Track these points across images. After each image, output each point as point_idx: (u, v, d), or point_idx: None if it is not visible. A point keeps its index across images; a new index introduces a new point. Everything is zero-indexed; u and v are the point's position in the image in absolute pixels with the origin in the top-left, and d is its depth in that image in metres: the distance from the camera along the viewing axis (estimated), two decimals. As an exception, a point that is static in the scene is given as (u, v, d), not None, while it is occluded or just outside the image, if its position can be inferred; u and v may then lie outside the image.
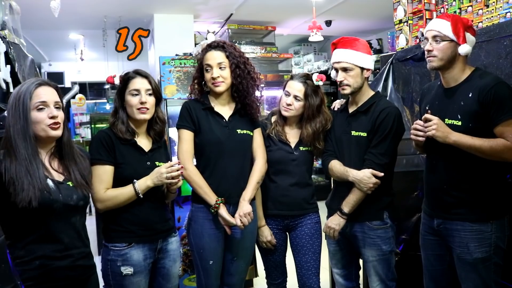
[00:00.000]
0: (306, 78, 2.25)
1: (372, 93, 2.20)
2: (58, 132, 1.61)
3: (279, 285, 2.38)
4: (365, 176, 2.05)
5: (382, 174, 2.06)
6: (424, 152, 2.07)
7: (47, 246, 1.55)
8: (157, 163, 1.94)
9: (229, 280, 2.23)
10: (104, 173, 1.84)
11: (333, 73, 2.21)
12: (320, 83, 2.27)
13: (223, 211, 2.07)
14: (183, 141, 2.13)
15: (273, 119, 2.33)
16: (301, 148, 2.26)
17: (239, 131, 2.16)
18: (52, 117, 1.58)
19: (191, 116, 2.12)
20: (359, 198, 2.09)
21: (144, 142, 1.96)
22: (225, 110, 2.18)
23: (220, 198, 2.07)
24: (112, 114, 1.95)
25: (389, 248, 2.15)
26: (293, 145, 2.26)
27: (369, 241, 2.14)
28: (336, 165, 2.18)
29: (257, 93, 2.23)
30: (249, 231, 2.17)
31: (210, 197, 2.07)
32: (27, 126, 1.54)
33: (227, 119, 2.16)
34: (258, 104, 2.22)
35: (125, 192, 1.84)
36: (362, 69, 2.12)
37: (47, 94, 1.59)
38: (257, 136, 2.24)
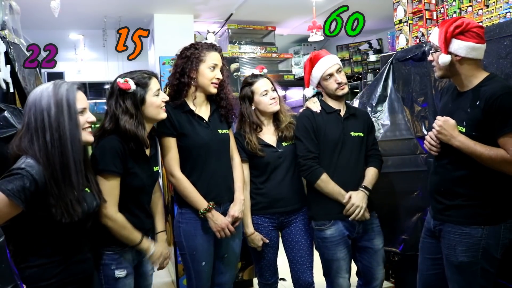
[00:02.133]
0: (259, 75, 2.40)
1: None
2: (93, 138, 1.59)
3: (273, 285, 2.40)
4: (362, 195, 2.22)
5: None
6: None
7: (62, 252, 1.54)
8: (154, 168, 1.97)
9: (220, 279, 2.25)
10: (116, 187, 1.79)
11: (331, 81, 2.30)
12: (265, 71, 2.47)
13: (216, 213, 2.10)
14: (167, 148, 2.11)
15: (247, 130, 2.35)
16: (283, 144, 2.35)
17: (220, 131, 2.20)
18: (91, 122, 1.56)
19: (171, 121, 2.11)
20: (375, 180, 2.31)
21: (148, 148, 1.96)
22: (203, 111, 2.20)
23: (210, 203, 2.09)
24: (129, 121, 1.82)
25: None
26: (275, 144, 2.34)
27: (377, 229, 2.32)
28: (331, 182, 2.23)
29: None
30: (237, 225, 2.22)
31: (201, 203, 2.09)
32: (76, 130, 1.47)
33: (207, 120, 2.18)
34: (234, 104, 2.32)
35: (132, 236, 1.83)
36: None
37: (85, 99, 1.57)
38: (231, 136, 2.31)
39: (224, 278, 2.25)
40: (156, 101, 1.90)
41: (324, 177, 2.23)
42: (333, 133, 2.29)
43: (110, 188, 1.77)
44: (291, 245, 2.33)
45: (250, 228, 2.28)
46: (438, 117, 1.87)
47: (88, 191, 1.59)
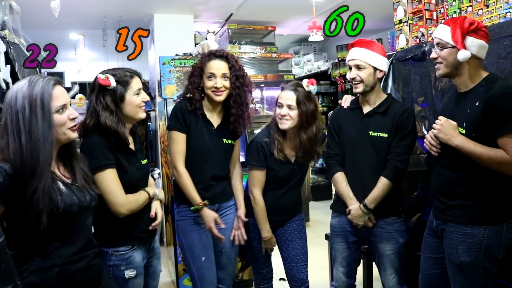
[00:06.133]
0: (297, 85, 2.26)
1: (385, 95, 2.28)
2: (77, 134, 1.58)
3: (270, 281, 2.45)
4: (359, 214, 2.16)
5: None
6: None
7: (65, 251, 1.51)
8: (142, 162, 1.98)
9: (220, 274, 2.27)
10: (117, 178, 1.79)
11: (348, 74, 2.26)
12: (312, 88, 2.27)
13: (206, 210, 2.14)
14: (175, 142, 2.16)
15: (275, 136, 2.27)
16: (298, 161, 2.32)
17: (224, 140, 2.23)
18: (73, 119, 1.53)
19: (185, 118, 2.15)
20: (385, 193, 2.13)
21: (131, 143, 1.95)
22: (214, 118, 2.23)
23: (203, 201, 2.13)
24: (109, 117, 1.81)
25: (403, 241, 2.23)
26: (293, 160, 2.31)
27: (386, 235, 2.20)
28: (342, 183, 2.23)
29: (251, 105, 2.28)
30: (231, 220, 2.27)
31: (194, 200, 2.13)
32: (49, 131, 1.44)
33: (215, 127, 2.21)
34: (250, 116, 2.25)
35: (142, 196, 1.88)
36: (375, 69, 2.18)
37: (65, 94, 1.52)
38: (237, 147, 2.33)
39: (225, 273, 2.29)
40: (135, 100, 1.87)
41: (337, 176, 2.24)
42: (350, 130, 2.25)
43: (114, 179, 1.76)
44: (286, 244, 2.36)
45: (269, 233, 2.29)
46: (440, 117, 1.86)
47: (79, 186, 1.57)
